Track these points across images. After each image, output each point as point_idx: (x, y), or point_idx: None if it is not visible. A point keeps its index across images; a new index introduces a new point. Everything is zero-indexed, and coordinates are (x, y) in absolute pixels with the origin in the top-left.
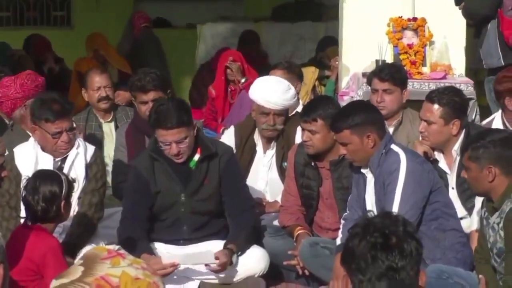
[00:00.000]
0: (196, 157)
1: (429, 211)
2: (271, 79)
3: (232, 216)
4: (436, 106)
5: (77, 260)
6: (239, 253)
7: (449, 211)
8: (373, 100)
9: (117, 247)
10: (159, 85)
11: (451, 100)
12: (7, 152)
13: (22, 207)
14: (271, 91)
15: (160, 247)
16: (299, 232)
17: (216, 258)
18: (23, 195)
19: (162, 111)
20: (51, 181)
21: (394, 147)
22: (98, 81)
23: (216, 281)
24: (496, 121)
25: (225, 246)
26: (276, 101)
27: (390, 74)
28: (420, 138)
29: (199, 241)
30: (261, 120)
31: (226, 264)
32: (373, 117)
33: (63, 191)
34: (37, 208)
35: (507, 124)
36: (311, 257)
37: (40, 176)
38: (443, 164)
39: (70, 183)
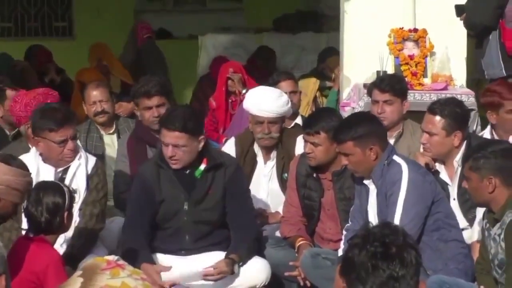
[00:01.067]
0: (202, 166)
1: (431, 221)
2: (262, 88)
3: (234, 227)
4: (438, 117)
5: (77, 271)
6: (241, 263)
7: (451, 221)
8: (373, 111)
9: (116, 257)
10: (162, 90)
11: (452, 111)
12: None
13: (24, 218)
14: (262, 99)
15: (161, 258)
16: (300, 243)
17: (214, 268)
18: (25, 206)
19: (172, 113)
20: (53, 192)
21: (396, 158)
22: (94, 95)
23: None
24: (486, 134)
25: (226, 256)
26: (269, 109)
27: (390, 85)
28: (422, 150)
29: (201, 252)
30: (256, 130)
31: (226, 273)
32: (376, 129)
33: (66, 202)
34: (41, 219)
35: (495, 137)
36: (312, 268)
37: (43, 187)
38: (444, 175)
39: (72, 194)
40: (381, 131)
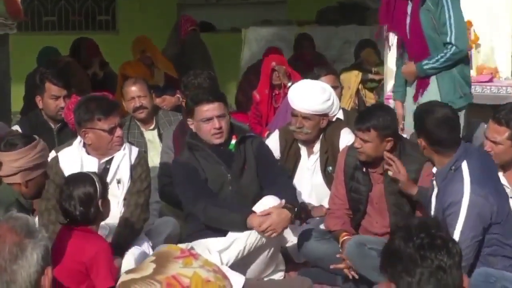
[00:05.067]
0: (233, 141)
1: (486, 239)
2: (305, 82)
3: (275, 193)
4: (503, 128)
5: (150, 256)
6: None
7: (507, 241)
8: None
9: (189, 246)
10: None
11: None
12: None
13: None
14: (300, 93)
15: (207, 243)
16: (344, 238)
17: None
18: (59, 203)
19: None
20: (83, 183)
21: (464, 167)
22: (132, 91)
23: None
24: None
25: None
26: (302, 104)
27: None
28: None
29: None
30: (291, 122)
31: (287, 218)
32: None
33: (98, 190)
34: (76, 213)
35: None
36: (358, 258)
37: (72, 180)
38: (503, 179)
39: (103, 180)
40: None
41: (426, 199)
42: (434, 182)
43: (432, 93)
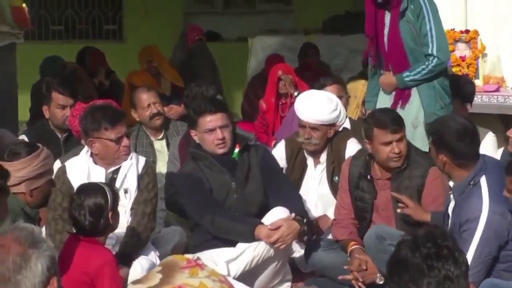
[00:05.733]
0: (236, 149)
1: (501, 255)
2: (311, 92)
3: (281, 202)
4: None
5: (156, 267)
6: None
7: None
8: None
9: (196, 256)
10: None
11: None
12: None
13: None
14: (307, 104)
15: (214, 254)
16: (353, 247)
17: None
18: (69, 212)
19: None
20: (95, 193)
21: (483, 182)
22: (146, 98)
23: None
24: None
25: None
26: (310, 115)
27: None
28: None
29: None
30: (299, 132)
31: (296, 230)
32: None
33: (109, 201)
34: (85, 223)
35: None
36: (375, 250)
37: (83, 190)
38: None
39: (115, 192)
40: None
41: (441, 221)
42: (451, 196)
43: (414, 105)
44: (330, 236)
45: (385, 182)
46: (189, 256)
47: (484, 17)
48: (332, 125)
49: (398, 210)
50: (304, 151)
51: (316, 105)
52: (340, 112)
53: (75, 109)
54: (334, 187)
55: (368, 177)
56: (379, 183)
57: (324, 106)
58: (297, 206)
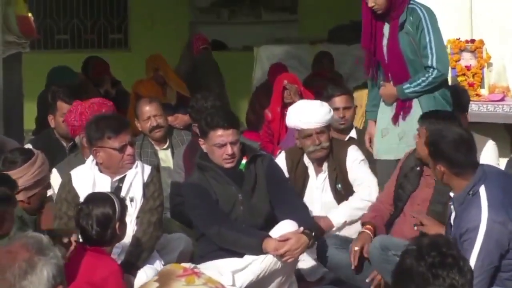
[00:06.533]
0: (244, 160)
1: (503, 264)
2: (302, 102)
3: (288, 213)
4: None
5: (153, 276)
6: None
7: None
8: None
9: (192, 265)
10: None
11: None
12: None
13: None
14: (306, 111)
15: (219, 264)
16: (363, 231)
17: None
18: (76, 221)
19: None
20: (103, 203)
21: (482, 191)
22: (148, 110)
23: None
24: None
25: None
26: (315, 119)
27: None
28: None
29: None
30: (306, 144)
31: (305, 244)
32: None
33: (117, 212)
34: (92, 233)
35: None
36: (379, 261)
37: (92, 200)
38: None
39: (123, 203)
40: None
41: None
42: (452, 206)
43: (415, 117)
44: (341, 233)
45: (433, 181)
46: (185, 264)
47: (490, 27)
48: (330, 125)
49: (415, 228)
50: (305, 160)
51: (313, 110)
52: (332, 115)
53: (74, 104)
54: (337, 195)
55: (418, 168)
56: (427, 179)
57: (320, 108)
58: (305, 219)
